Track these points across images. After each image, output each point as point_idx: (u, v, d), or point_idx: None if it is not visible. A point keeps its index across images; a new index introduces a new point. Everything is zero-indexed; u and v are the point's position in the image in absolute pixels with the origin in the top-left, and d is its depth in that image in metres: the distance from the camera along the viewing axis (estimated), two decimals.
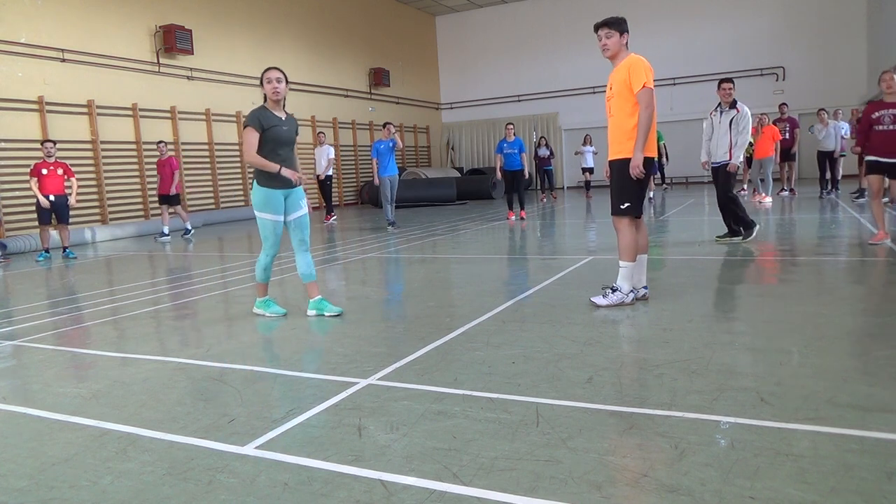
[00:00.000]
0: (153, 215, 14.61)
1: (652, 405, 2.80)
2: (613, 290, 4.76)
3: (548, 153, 18.36)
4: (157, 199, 12.53)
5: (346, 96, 20.90)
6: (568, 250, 8.12)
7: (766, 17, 21.06)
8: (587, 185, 18.48)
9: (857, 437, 2.40)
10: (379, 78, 22.15)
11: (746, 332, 3.94)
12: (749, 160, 14.57)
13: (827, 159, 13.56)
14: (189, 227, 12.58)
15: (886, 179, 7.12)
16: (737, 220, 7.79)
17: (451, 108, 26.49)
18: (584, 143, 18.21)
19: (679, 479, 2.15)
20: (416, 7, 24.76)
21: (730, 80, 7.79)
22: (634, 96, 4.56)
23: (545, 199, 18.02)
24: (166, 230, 12.25)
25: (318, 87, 19.67)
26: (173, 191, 12.05)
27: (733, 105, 7.65)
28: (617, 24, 4.63)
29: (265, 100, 4.78)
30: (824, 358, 3.37)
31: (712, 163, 7.85)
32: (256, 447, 2.59)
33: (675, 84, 21.85)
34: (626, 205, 4.70)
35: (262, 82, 4.74)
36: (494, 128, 25.24)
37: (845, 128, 13.48)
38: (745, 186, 16.15)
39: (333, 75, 20.39)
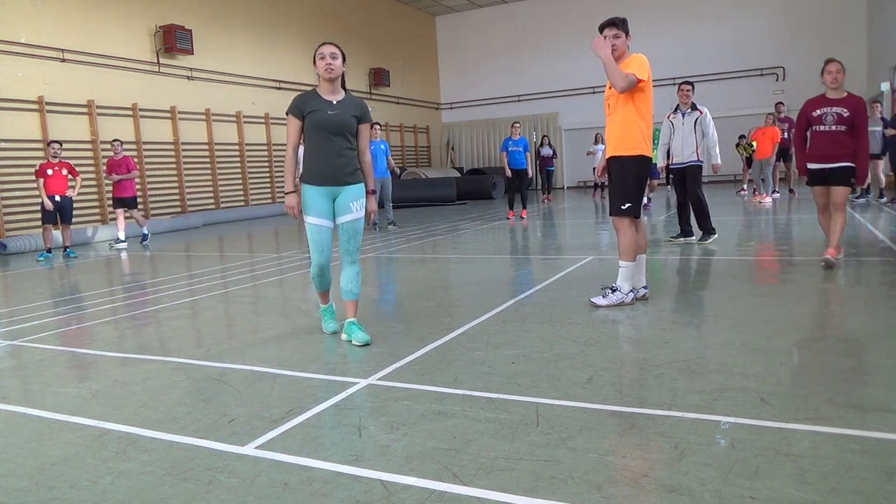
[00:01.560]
0: (153, 215, 14.62)
1: (652, 405, 2.80)
2: (613, 291, 4.76)
3: (550, 153, 18.15)
4: (135, 200, 11.47)
5: None
6: (568, 250, 8.13)
7: (766, 17, 21.05)
8: (596, 186, 18.16)
9: (857, 437, 2.40)
10: (379, 78, 22.15)
11: (746, 332, 3.94)
12: (749, 160, 14.55)
13: None
14: (146, 233, 11.79)
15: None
16: (701, 222, 7.84)
17: (451, 108, 26.49)
18: (595, 142, 17.53)
19: (679, 479, 2.15)
20: (416, 7, 24.76)
21: (689, 83, 7.97)
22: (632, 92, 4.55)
23: (548, 200, 17.85)
24: (122, 236, 11.28)
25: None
26: (113, 186, 11.22)
27: (694, 107, 7.85)
28: (623, 25, 4.60)
29: (319, 81, 4.10)
30: (824, 358, 3.37)
31: (677, 163, 7.96)
32: (256, 447, 2.59)
33: (675, 84, 21.82)
34: (627, 205, 4.69)
35: (314, 60, 4.06)
36: (494, 128, 25.25)
37: None
38: (745, 186, 16.14)
39: None
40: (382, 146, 11.68)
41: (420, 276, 6.81)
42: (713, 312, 4.55)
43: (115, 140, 11.55)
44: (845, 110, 5.71)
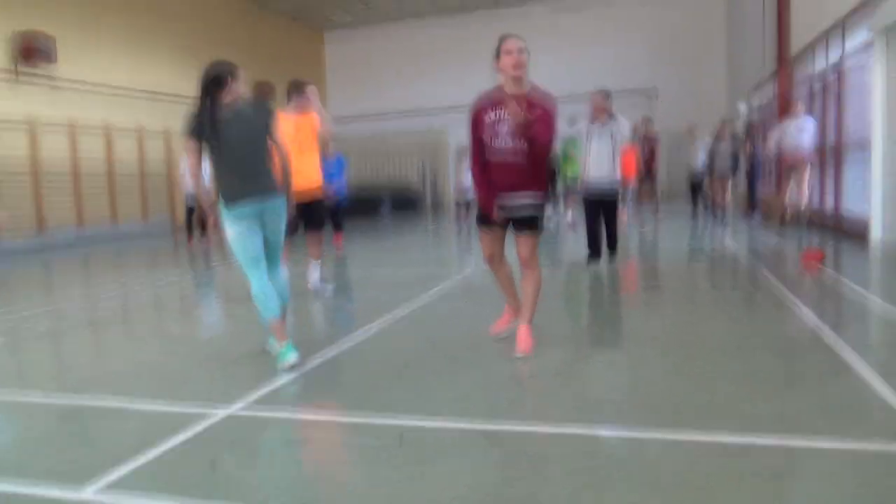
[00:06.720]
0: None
1: (516, 420, 2.82)
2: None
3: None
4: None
5: None
6: (440, 265, 8.11)
7: (640, 38, 22.15)
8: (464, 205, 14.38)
9: (709, 443, 2.51)
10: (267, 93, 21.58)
11: (616, 344, 4.07)
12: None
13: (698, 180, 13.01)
14: None
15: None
16: (611, 242, 7.01)
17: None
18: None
19: (538, 490, 2.16)
20: (306, 24, 24.38)
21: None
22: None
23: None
24: None
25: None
26: None
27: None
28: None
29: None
30: (688, 366, 3.53)
31: None
32: (97, 490, 2.36)
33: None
34: None
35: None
36: (385, 142, 25.17)
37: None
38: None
39: None
40: None
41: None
42: (583, 326, 4.67)
43: None
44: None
